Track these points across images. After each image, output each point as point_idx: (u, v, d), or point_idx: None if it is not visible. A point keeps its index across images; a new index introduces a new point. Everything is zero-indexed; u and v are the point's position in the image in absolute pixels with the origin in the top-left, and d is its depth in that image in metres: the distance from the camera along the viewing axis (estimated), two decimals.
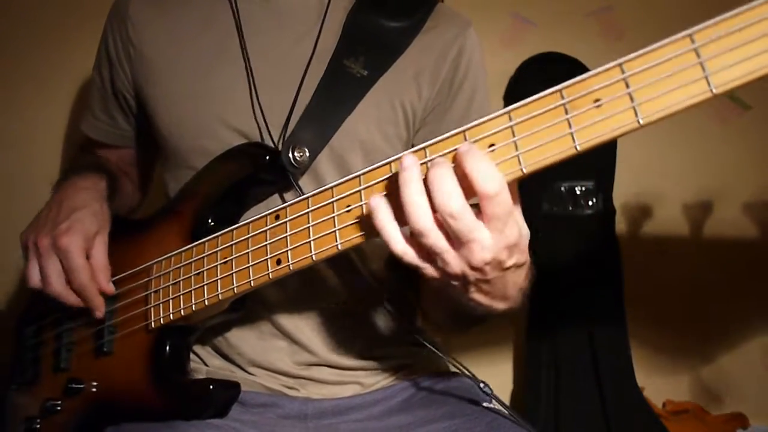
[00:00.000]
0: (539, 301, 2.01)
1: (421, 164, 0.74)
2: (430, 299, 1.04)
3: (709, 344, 2.16)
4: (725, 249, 2.15)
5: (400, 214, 0.73)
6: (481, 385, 1.03)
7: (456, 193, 0.69)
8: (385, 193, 0.77)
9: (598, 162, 2.02)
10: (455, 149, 0.72)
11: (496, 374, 2.10)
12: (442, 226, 0.71)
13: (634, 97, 0.65)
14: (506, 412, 1.03)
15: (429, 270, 0.76)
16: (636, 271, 2.06)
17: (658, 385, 2.09)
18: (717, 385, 2.14)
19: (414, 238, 0.73)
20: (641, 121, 0.65)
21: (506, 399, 2.10)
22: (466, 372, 1.06)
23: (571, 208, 1.99)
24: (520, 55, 2.06)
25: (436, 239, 0.72)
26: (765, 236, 2.14)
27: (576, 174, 2.01)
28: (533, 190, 2.03)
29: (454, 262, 0.73)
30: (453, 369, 1.19)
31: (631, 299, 2.04)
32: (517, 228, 0.73)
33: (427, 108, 1.15)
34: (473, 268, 0.73)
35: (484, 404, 1.06)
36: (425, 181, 0.71)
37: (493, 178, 0.68)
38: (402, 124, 1.13)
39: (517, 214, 0.74)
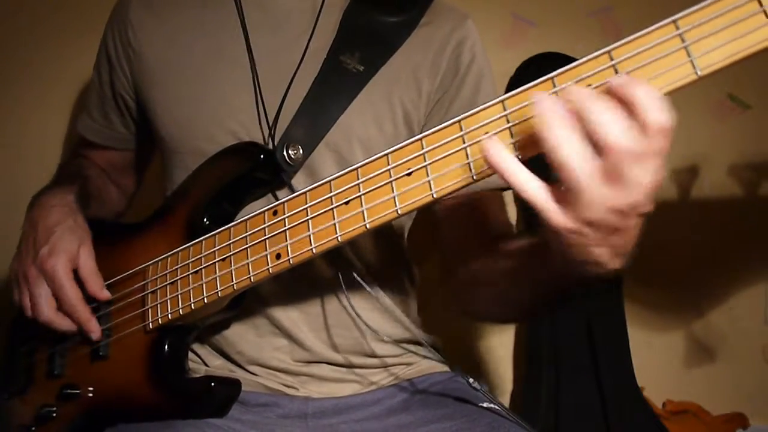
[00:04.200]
0: None
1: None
2: (515, 270, 0.93)
3: (710, 344, 2.15)
4: (727, 230, 2.16)
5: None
6: (470, 380, 1.04)
7: (628, 125, 0.62)
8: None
9: None
10: (606, 82, 0.64)
11: (496, 374, 2.10)
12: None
13: None
14: (505, 412, 1.03)
15: (556, 215, 0.68)
16: (636, 269, 2.05)
17: (658, 385, 2.08)
18: (717, 385, 2.14)
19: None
20: None
21: (506, 399, 2.09)
22: (465, 374, 1.06)
23: None
24: (520, 55, 2.06)
25: (589, 179, 0.64)
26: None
27: None
28: None
29: (599, 204, 0.65)
30: (453, 370, 1.20)
31: (631, 299, 2.04)
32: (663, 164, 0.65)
33: (430, 102, 1.15)
34: (619, 212, 0.65)
35: (483, 404, 1.06)
36: (576, 116, 0.64)
37: (666, 109, 0.61)
38: (401, 122, 1.13)
39: None
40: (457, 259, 1.11)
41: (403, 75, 1.13)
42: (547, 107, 0.64)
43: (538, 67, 2.03)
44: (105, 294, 1.08)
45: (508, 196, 1.17)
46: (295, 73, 1.08)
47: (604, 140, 0.62)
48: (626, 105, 0.62)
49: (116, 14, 1.23)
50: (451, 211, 1.13)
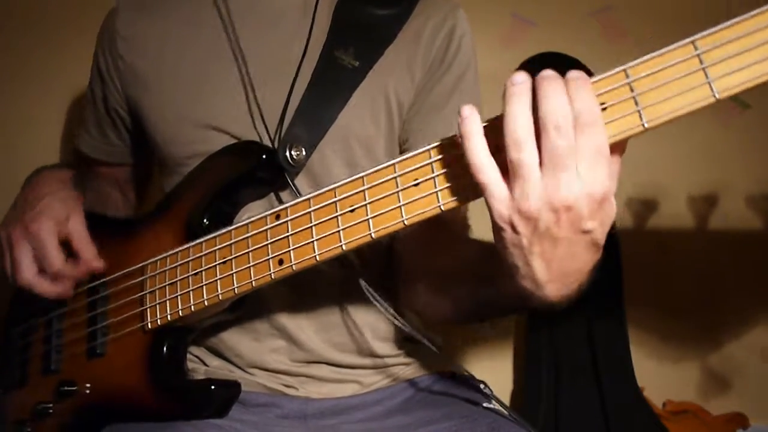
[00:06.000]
0: None
1: None
2: (460, 269, 0.98)
3: (710, 344, 2.16)
4: (726, 244, 2.15)
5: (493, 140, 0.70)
6: (481, 386, 1.03)
7: (567, 108, 0.66)
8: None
9: None
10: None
11: (496, 374, 2.09)
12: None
13: (638, 101, 0.66)
14: (506, 412, 1.03)
15: (499, 203, 0.70)
16: (636, 270, 2.06)
17: (658, 385, 2.08)
18: (717, 385, 2.14)
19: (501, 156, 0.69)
20: (646, 125, 0.66)
21: (506, 399, 2.09)
22: (465, 372, 1.06)
23: None
24: (520, 55, 2.03)
25: (530, 155, 0.67)
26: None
27: None
28: None
29: (535, 196, 0.67)
30: (453, 369, 1.20)
31: (631, 299, 2.04)
32: (609, 179, 0.68)
33: (418, 90, 1.15)
34: (552, 208, 0.68)
35: (484, 404, 1.06)
36: (534, 94, 0.68)
37: (595, 107, 0.66)
38: (396, 113, 1.13)
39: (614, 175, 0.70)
40: (408, 254, 1.12)
41: (398, 67, 1.13)
42: (518, 88, 0.69)
43: (538, 67, 1.99)
44: (99, 263, 1.07)
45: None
46: (297, 72, 1.07)
47: (540, 115, 0.66)
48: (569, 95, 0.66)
49: (104, 27, 1.23)
50: None
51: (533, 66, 2.01)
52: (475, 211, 1.03)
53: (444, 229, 1.08)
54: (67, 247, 1.06)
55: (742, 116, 2.14)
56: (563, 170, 0.66)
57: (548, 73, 0.68)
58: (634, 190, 2.10)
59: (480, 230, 1.00)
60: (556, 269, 0.74)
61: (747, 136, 2.14)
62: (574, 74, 0.67)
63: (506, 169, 0.69)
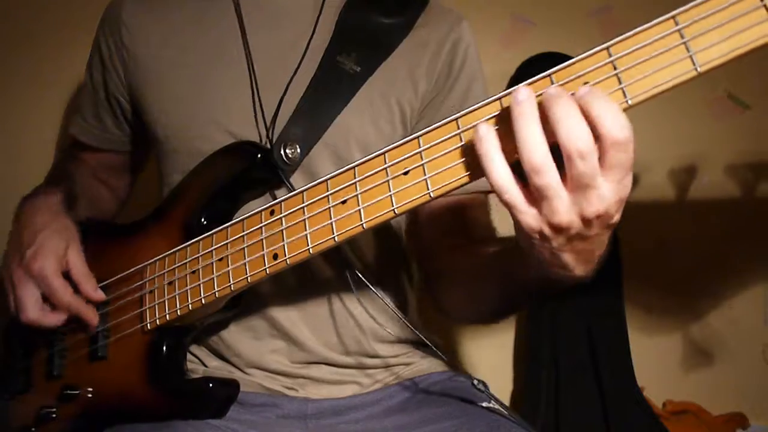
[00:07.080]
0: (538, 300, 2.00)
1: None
2: (487, 268, 0.97)
3: (710, 344, 2.15)
4: (726, 239, 2.15)
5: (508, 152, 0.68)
6: (475, 381, 1.03)
7: (586, 130, 0.63)
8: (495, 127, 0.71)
9: None
10: (572, 93, 0.66)
11: (496, 374, 2.09)
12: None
13: (621, 78, 0.66)
14: (506, 412, 1.03)
15: (528, 217, 0.70)
16: (636, 269, 2.06)
17: (658, 385, 2.08)
18: (717, 385, 2.14)
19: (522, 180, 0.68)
20: (630, 102, 0.66)
21: (506, 399, 2.09)
22: (465, 372, 1.05)
23: None
24: (520, 55, 2.05)
25: (553, 178, 0.66)
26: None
27: None
28: None
29: (565, 210, 0.67)
30: (453, 369, 1.19)
31: (631, 298, 2.04)
32: (631, 180, 0.68)
33: (424, 101, 1.16)
34: (584, 219, 0.68)
35: (483, 404, 1.05)
36: (544, 117, 0.65)
37: (624, 123, 0.63)
38: (398, 120, 1.14)
39: None
40: (435, 260, 1.13)
41: (400, 76, 1.14)
42: (524, 108, 0.66)
43: (538, 67, 2.00)
44: (99, 294, 1.07)
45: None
46: (294, 73, 1.08)
47: (560, 142, 0.64)
48: (586, 117, 0.64)
49: (108, 15, 1.22)
50: (433, 212, 1.13)
51: (533, 66, 2.04)
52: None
53: (468, 233, 1.09)
54: (67, 277, 1.07)
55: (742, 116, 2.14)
56: (592, 189, 0.66)
57: (555, 92, 0.66)
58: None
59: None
60: (584, 256, 0.75)
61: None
62: (585, 89, 0.65)
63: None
